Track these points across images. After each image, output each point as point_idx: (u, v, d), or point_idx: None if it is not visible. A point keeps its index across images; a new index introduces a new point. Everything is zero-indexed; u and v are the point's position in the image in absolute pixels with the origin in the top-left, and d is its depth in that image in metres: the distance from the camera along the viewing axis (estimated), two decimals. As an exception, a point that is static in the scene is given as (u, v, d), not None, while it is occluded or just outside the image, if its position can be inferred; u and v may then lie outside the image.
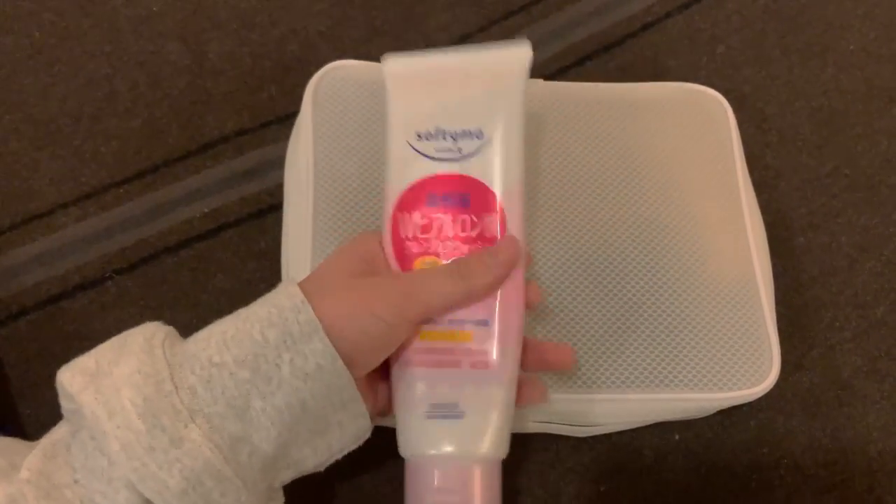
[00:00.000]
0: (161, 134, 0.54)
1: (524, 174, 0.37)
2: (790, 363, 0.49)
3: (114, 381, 0.30)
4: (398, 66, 0.38)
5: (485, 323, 0.35)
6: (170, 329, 0.33)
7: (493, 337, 0.35)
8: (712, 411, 0.47)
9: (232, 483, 0.30)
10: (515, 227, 0.36)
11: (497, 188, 0.36)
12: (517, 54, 0.37)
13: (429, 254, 0.36)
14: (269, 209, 0.52)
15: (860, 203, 0.55)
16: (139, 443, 0.29)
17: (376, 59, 0.52)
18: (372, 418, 0.35)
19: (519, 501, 0.45)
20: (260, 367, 0.30)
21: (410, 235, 0.36)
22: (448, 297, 0.34)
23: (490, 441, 0.35)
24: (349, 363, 0.32)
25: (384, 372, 0.36)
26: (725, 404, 0.44)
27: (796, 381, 0.50)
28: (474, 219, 0.36)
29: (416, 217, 0.36)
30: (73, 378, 0.30)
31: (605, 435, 0.47)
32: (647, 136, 0.48)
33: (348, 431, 0.34)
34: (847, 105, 0.59)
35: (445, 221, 0.36)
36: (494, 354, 0.35)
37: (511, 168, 0.37)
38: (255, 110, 0.55)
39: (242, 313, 0.32)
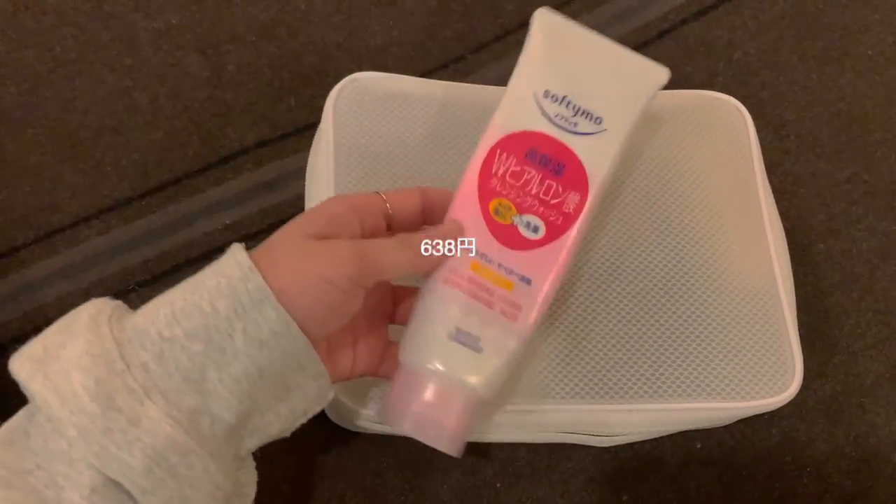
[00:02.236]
0: (181, 146, 0.54)
1: (614, 174, 0.40)
2: (812, 370, 0.49)
3: (63, 366, 0.29)
4: (550, 21, 0.41)
5: (528, 281, 0.37)
6: (117, 303, 0.32)
7: (528, 295, 0.37)
8: (734, 420, 0.47)
9: (197, 455, 0.30)
10: (588, 213, 0.39)
11: (591, 173, 0.39)
12: (657, 72, 0.41)
13: (507, 198, 0.38)
14: (290, 220, 0.52)
15: (880, 209, 0.55)
16: (95, 426, 0.28)
17: (393, 69, 0.52)
18: (332, 382, 0.35)
19: (541, 511, 0.45)
20: (212, 339, 0.30)
21: (500, 174, 0.38)
22: (399, 265, 0.35)
23: (492, 383, 0.37)
24: (304, 327, 0.31)
25: (344, 338, 0.37)
26: (749, 413, 0.44)
27: (818, 388, 0.50)
28: (560, 189, 0.38)
29: (512, 162, 0.38)
30: (21, 366, 0.30)
31: (627, 444, 0.47)
32: (666, 144, 0.48)
33: (310, 393, 0.33)
34: (866, 110, 0.58)
35: (535, 178, 0.38)
36: (523, 310, 0.37)
37: (610, 162, 0.39)
38: (275, 122, 0.55)
39: (190, 283, 0.32)
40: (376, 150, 0.46)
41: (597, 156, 0.39)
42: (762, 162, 0.50)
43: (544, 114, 0.39)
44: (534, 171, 0.38)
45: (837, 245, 0.54)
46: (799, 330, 0.46)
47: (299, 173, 0.52)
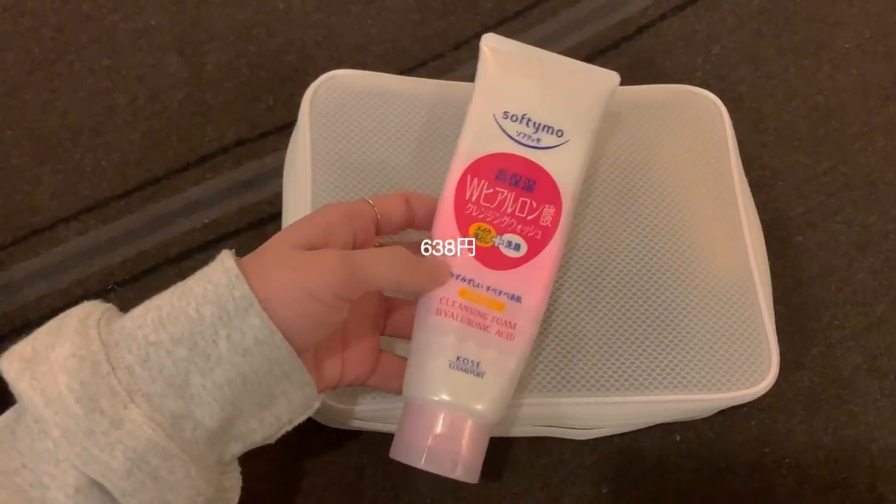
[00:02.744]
0: (161, 146, 0.54)
1: (582, 181, 0.41)
2: (790, 362, 0.49)
3: (50, 367, 0.29)
4: (498, 44, 0.42)
5: (518, 299, 0.38)
6: (108, 306, 0.33)
7: (520, 313, 0.38)
8: (713, 412, 0.47)
9: (178, 459, 0.30)
10: (565, 224, 0.39)
11: (561, 185, 0.39)
12: (608, 78, 0.42)
13: (485, 221, 0.39)
14: (269, 218, 0.52)
15: (858, 201, 0.55)
16: (78, 427, 0.28)
17: (373, 67, 0.52)
18: (319, 391, 0.35)
19: (521, 505, 0.46)
20: (197, 344, 0.30)
21: (474, 199, 0.39)
22: (387, 279, 0.35)
23: (497, 405, 0.37)
24: (289, 337, 0.31)
25: (333, 346, 0.37)
26: (725, 405, 0.44)
27: (797, 380, 0.50)
28: (534, 204, 0.39)
29: (484, 185, 0.39)
30: (10, 365, 0.30)
31: (606, 437, 0.47)
32: (643, 138, 0.49)
33: (295, 402, 0.34)
34: (843, 103, 0.59)
35: (509, 198, 0.39)
36: (518, 328, 0.38)
37: (578, 171, 0.40)
38: (254, 121, 0.55)
39: (179, 289, 0.32)
40: (354, 147, 0.46)
41: (564, 167, 0.40)
42: (738, 155, 0.50)
43: (507, 134, 0.40)
44: (506, 191, 0.39)
45: (815, 237, 0.54)
46: (777, 322, 0.46)
47: (278, 172, 0.52)
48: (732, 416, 0.48)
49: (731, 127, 0.50)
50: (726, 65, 0.60)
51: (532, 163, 0.39)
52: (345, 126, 0.47)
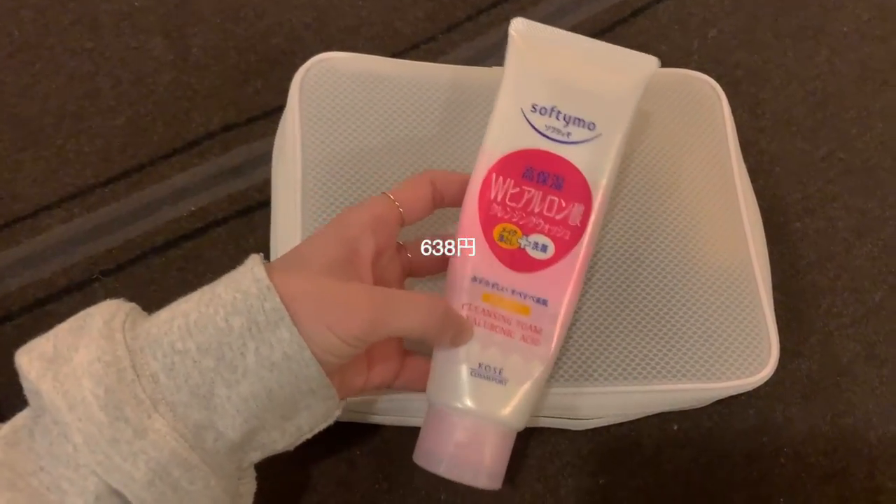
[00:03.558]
0: (146, 132, 0.53)
1: (615, 178, 0.39)
2: (788, 350, 0.49)
3: (73, 370, 0.29)
4: (528, 29, 0.39)
5: (544, 302, 0.37)
6: (131, 307, 0.32)
7: (546, 316, 0.37)
8: (712, 401, 0.47)
9: (199, 470, 0.30)
10: (596, 223, 0.38)
11: (592, 182, 0.38)
12: (645, 63, 0.39)
13: (511, 222, 0.37)
14: (258, 206, 0.51)
15: (856, 187, 0.55)
16: (102, 435, 0.28)
17: (363, 50, 0.51)
18: (343, 398, 0.34)
19: (518, 496, 0.45)
20: (224, 356, 0.30)
21: (499, 199, 0.37)
22: (412, 335, 0.34)
23: (521, 412, 0.36)
24: (316, 353, 0.31)
25: (358, 357, 0.36)
26: (725, 394, 0.44)
27: (795, 368, 0.49)
28: (563, 203, 0.37)
29: (510, 184, 0.37)
30: (31, 363, 0.29)
31: (603, 427, 0.47)
32: (639, 123, 0.48)
33: (317, 413, 0.33)
34: (841, 88, 0.58)
35: (536, 197, 0.37)
36: (544, 333, 0.37)
37: (609, 168, 0.38)
38: (241, 105, 0.54)
39: (207, 294, 0.31)
40: (344, 132, 0.45)
41: (595, 162, 0.38)
42: (737, 140, 0.49)
43: (535, 129, 0.38)
44: (534, 190, 0.37)
45: (813, 223, 0.53)
46: (775, 310, 0.45)
47: (267, 157, 0.51)
48: (730, 405, 0.48)
49: (730, 112, 0.49)
50: (723, 49, 0.59)
51: (561, 158, 0.38)
52: (335, 110, 0.46)
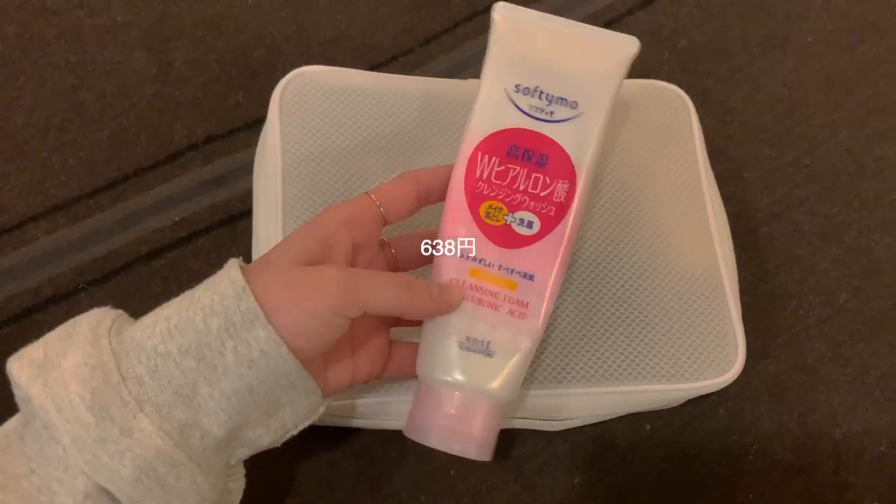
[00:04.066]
0: (129, 144, 0.54)
1: (599, 156, 0.39)
2: (756, 351, 0.50)
3: (62, 374, 0.30)
4: (510, 13, 0.40)
5: (531, 277, 0.38)
6: (118, 314, 0.33)
7: (533, 291, 0.38)
8: (682, 401, 0.48)
9: (186, 467, 0.31)
10: (581, 199, 0.39)
11: (575, 159, 0.39)
12: (627, 44, 0.40)
13: (497, 199, 0.38)
14: (240, 215, 0.52)
15: (821, 192, 0.56)
16: (89, 435, 0.29)
17: (343, 63, 0.53)
18: (325, 395, 0.35)
19: (494, 496, 0.46)
20: (204, 356, 0.31)
21: (485, 177, 0.38)
22: (386, 306, 0.35)
23: (509, 384, 0.37)
24: (294, 348, 0.32)
25: (342, 350, 0.37)
26: (694, 394, 0.45)
27: (763, 368, 0.51)
28: (547, 180, 0.38)
29: (495, 162, 0.38)
30: (21, 369, 0.30)
31: (578, 427, 0.48)
32: (610, 132, 0.49)
33: (301, 408, 0.34)
34: (807, 96, 0.60)
35: (521, 174, 0.38)
36: (531, 307, 0.38)
37: (593, 145, 0.39)
38: (224, 117, 0.55)
39: (187, 298, 0.32)
40: (324, 144, 0.46)
41: (579, 140, 0.39)
42: (705, 148, 0.51)
43: (519, 108, 0.39)
44: (518, 168, 0.38)
45: (780, 228, 0.55)
46: (744, 312, 0.47)
47: (249, 168, 0.52)
48: (701, 404, 0.49)
49: (698, 121, 0.51)
50: (693, 58, 0.61)
51: (545, 137, 0.39)
52: (314, 122, 0.47)
